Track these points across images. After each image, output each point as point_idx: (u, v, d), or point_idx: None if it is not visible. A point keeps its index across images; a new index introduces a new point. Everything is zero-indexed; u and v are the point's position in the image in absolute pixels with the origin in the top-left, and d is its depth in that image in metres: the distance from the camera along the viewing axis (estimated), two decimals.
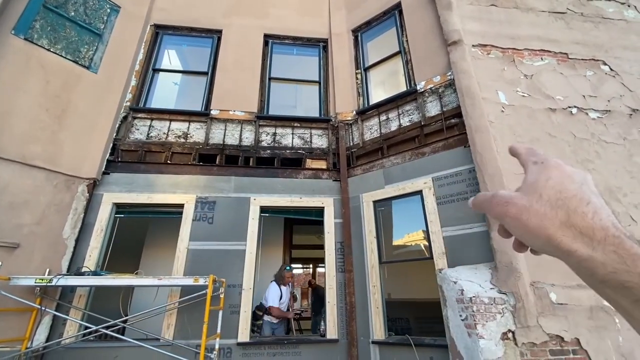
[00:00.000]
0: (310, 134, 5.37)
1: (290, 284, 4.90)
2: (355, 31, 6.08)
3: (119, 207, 4.58)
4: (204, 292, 3.60)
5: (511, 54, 4.56)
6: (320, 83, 5.88)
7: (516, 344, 3.04)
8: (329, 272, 4.43)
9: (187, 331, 3.93)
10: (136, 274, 3.78)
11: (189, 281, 3.66)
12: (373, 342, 3.97)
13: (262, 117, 5.38)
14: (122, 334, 3.83)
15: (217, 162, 5.01)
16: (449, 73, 4.55)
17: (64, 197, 4.18)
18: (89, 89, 4.79)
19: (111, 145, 4.82)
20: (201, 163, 4.97)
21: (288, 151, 5.20)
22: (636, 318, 0.28)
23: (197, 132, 5.21)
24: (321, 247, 4.81)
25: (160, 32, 5.93)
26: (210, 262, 4.31)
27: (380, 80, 5.95)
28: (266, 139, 5.29)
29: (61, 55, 4.65)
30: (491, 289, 3.29)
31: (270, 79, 5.81)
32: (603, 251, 0.29)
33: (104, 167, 4.63)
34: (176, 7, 6.03)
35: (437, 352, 3.69)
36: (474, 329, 3.11)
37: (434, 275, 3.88)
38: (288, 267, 4.78)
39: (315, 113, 5.68)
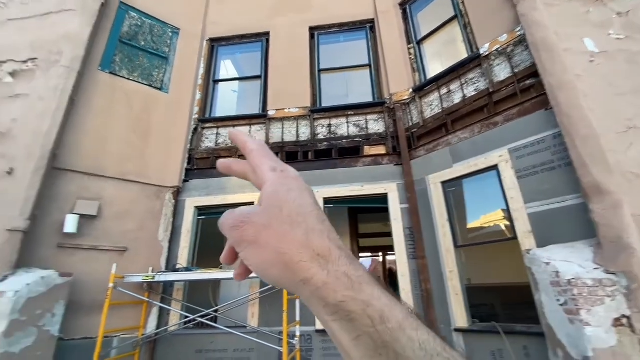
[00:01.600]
0: (366, 120, 5.24)
1: None
2: (402, 4, 5.71)
3: (200, 210, 5.08)
4: None
5: None
6: (370, 66, 5.68)
7: (633, 330, 2.59)
8: (400, 260, 4.30)
9: (269, 319, 4.21)
10: (220, 268, 4.17)
11: None
12: (456, 330, 3.76)
13: (316, 111, 5.43)
14: (215, 322, 4.27)
15: None
16: (518, 29, 4.00)
17: (155, 205, 4.79)
18: (163, 108, 5.37)
19: (187, 155, 5.35)
20: None
21: (344, 140, 5.16)
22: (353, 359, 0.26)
23: (258, 134, 5.48)
24: (389, 234, 4.70)
25: (215, 45, 6.36)
26: None
27: (435, 52, 5.51)
28: (322, 132, 5.32)
29: (139, 82, 5.30)
30: (595, 269, 2.83)
31: (320, 71, 5.81)
32: (336, 275, 0.26)
33: (183, 175, 5.17)
34: (226, 19, 6.38)
35: (531, 340, 3.34)
36: (577, 314, 2.73)
37: (518, 257, 3.50)
38: None
39: (368, 98, 5.52)
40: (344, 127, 5.26)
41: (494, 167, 3.91)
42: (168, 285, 4.50)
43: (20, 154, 4.01)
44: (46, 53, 4.67)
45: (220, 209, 5.10)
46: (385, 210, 4.83)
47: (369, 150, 5.01)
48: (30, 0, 5.22)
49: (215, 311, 4.21)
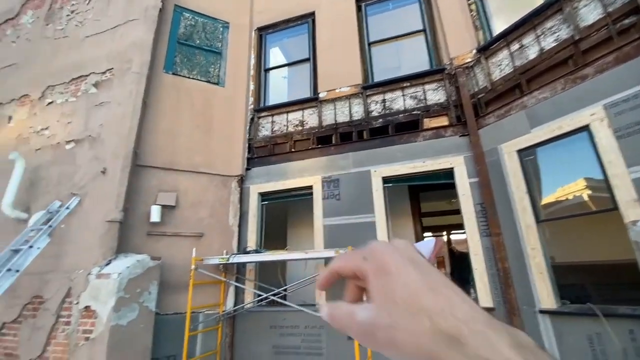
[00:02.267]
0: (424, 90, 4.88)
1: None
2: None
3: (263, 196, 5.31)
4: None
5: None
6: (425, 31, 5.23)
7: None
8: (472, 238, 4.01)
9: (336, 298, 4.27)
10: (286, 249, 4.34)
11: (331, 253, 3.96)
12: (541, 312, 3.42)
13: (368, 87, 5.21)
14: (285, 300, 4.50)
15: (333, 142, 5.17)
16: None
17: (223, 193, 5.13)
18: (221, 101, 5.64)
19: (247, 145, 5.59)
20: (319, 145, 5.23)
21: (401, 115, 4.89)
22: None
23: (311, 118, 5.48)
24: (454, 212, 4.41)
25: (263, 34, 6.43)
26: (344, 235, 4.54)
27: (501, 5, 4.86)
28: (376, 108, 5.11)
29: (198, 79, 5.62)
30: None
31: (369, 44, 5.54)
32: (467, 356, 0.23)
33: (245, 164, 5.43)
34: (270, 6, 6.38)
35: (638, 324, 2.91)
36: None
37: (617, 230, 3.03)
38: None
39: (425, 66, 5.12)
40: (400, 100, 4.98)
41: (584, 128, 3.37)
42: (241, 266, 4.84)
43: (109, 155, 4.57)
44: (119, 62, 5.17)
45: (282, 194, 5.27)
46: (450, 186, 4.53)
47: (429, 122, 4.68)
48: (101, 16, 5.80)
49: (285, 290, 4.42)
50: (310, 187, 5.00)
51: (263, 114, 5.84)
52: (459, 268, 6.37)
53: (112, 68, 5.19)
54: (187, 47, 5.74)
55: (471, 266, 4.04)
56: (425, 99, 4.83)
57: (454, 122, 4.52)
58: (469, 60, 4.58)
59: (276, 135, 5.59)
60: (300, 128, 5.48)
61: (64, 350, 3.73)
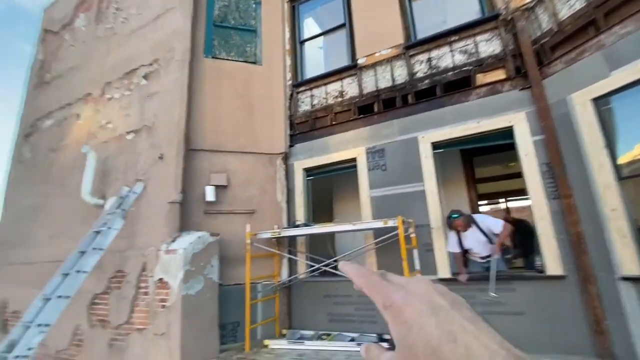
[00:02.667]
0: (475, 42, 4.39)
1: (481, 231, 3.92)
2: None
3: (307, 171, 5.35)
4: (395, 232, 3.76)
5: None
6: None
7: None
8: (537, 201, 3.65)
9: (387, 269, 4.25)
10: (334, 222, 4.37)
11: (379, 224, 3.90)
12: (624, 279, 3.06)
13: (411, 46, 4.83)
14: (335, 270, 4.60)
15: (375, 110, 4.95)
16: None
17: (270, 171, 5.26)
18: (260, 80, 5.66)
19: (288, 122, 5.60)
20: (361, 115, 5.05)
21: (450, 73, 4.48)
22: None
23: (350, 87, 5.29)
24: (513, 176, 4.03)
25: (295, 5, 6.23)
26: (393, 206, 4.43)
27: None
28: (421, 69, 4.74)
29: (236, 60, 5.67)
30: None
31: None
32: None
33: (288, 141, 5.47)
34: None
35: None
36: None
37: None
38: (452, 216, 3.90)
39: (475, 16, 4.58)
40: (448, 57, 4.55)
41: None
42: (292, 240, 5.01)
43: (164, 142, 4.88)
44: (163, 52, 5.39)
45: (326, 168, 5.26)
46: (508, 148, 4.12)
47: (482, 78, 4.24)
48: (143, 9, 6.03)
49: (335, 261, 4.50)
50: (354, 160, 4.90)
51: (301, 88, 5.76)
52: (518, 236, 5.91)
53: (158, 59, 5.43)
54: (223, 28, 5.78)
55: (532, 233, 3.72)
56: (477, 52, 4.36)
57: (512, 75, 4.03)
58: (529, 0, 3.98)
59: (316, 109, 5.51)
60: (340, 99, 5.33)
61: (146, 317, 4.24)
